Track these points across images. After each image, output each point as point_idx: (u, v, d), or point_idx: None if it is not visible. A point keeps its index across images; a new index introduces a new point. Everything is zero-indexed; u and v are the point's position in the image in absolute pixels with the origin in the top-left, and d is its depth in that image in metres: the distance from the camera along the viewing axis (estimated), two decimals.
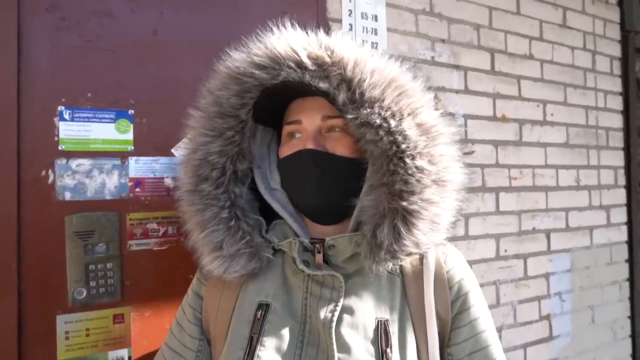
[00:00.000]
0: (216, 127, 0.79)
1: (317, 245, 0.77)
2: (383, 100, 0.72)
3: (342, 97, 0.72)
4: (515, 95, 1.88)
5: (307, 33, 0.79)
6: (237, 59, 0.79)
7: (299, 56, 0.74)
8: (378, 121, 0.71)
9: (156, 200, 1.17)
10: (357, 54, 0.74)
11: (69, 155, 1.09)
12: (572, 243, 2.03)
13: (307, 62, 0.73)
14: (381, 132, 0.71)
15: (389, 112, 0.71)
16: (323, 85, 0.72)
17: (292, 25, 0.80)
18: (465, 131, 1.72)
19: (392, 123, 0.71)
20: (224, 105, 0.78)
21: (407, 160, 0.70)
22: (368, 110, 0.71)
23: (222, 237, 0.77)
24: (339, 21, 1.46)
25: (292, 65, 0.74)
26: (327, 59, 0.74)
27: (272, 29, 0.79)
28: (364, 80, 0.72)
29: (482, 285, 1.71)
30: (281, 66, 0.74)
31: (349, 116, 0.72)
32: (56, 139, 1.07)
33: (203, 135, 0.79)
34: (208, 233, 0.78)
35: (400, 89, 0.74)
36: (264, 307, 0.75)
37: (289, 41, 0.76)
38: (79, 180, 1.09)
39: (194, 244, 0.81)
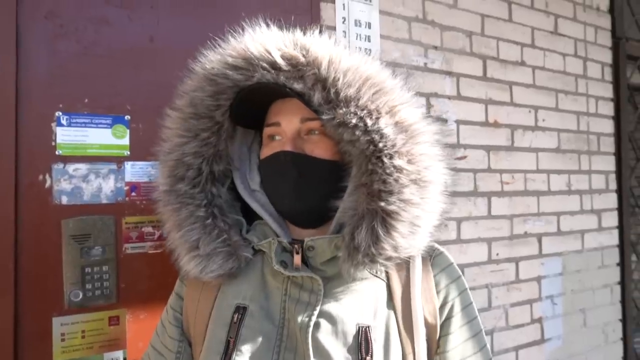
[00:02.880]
0: (191, 128, 0.77)
1: (296, 246, 0.75)
2: (359, 99, 0.69)
3: (317, 97, 0.70)
4: (507, 101, 1.90)
5: (283, 32, 0.76)
6: (211, 59, 0.77)
7: (273, 56, 0.71)
8: (354, 121, 0.69)
9: (151, 204, 1.18)
10: (332, 53, 0.72)
11: (66, 160, 1.10)
12: (563, 247, 2.06)
13: (281, 62, 0.71)
14: (357, 132, 0.69)
15: (365, 111, 0.69)
16: (297, 86, 0.71)
17: (268, 25, 0.78)
18: (458, 136, 1.75)
19: (369, 122, 0.69)
20: (199, 106, 0.77)
21: (385, 159, 0.68)
22: (344, 109, 0.69)
23: (198, 236, 0.76)
24: (333, 28, 1.49)
25: (266, 66, 0.71)
26: (302, 59, 0.71)
27: (247, 29, 0.78)
28: (339, 79, 0.70)
29: (474, 289, 1.74)
30: (255, 67, 0.72)
31: (325, 117, 0.70)
32: (53, 143, 1.09)
33: (179, 136, 0.78)
34: (184, 232, 0.76)
35: (376, 86, 0.71)
36: (241, 310, 0.74)
37: (263, 41, 0.74)
38: (76, 184, 1.11)
39: (171, 244, 0.79)
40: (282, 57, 0.72)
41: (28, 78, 1.07)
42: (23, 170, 1.06)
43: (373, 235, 0.69)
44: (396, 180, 0.68)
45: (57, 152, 1.10)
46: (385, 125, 0.69)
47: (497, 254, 1.83)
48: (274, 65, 0.72)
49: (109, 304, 1.13)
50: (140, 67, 1.19)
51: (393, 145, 0.69)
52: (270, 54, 0.72)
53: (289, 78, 0.71)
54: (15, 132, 1.05)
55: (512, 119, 1.92)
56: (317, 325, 0.70)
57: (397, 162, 0.68)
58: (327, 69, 0.70)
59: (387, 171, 0.68)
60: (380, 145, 0.68)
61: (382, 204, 0.68)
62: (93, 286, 1.11)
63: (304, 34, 0.77)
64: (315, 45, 0.73)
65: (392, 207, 0.68)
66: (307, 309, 0.71)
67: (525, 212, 1.93)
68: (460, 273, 0.82)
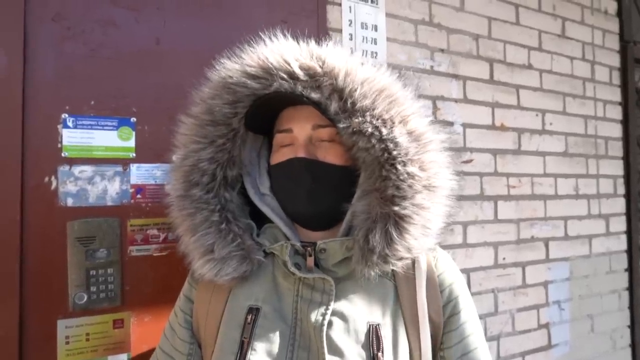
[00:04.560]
0: (208, 134, 0.80)
1: (309, 249, 0.78)
2: (374, 109, 0.73)
3: (333, 106, 0.74)
4: (514, 104, 1.89)
5: (299, 43, 0.80)
6: (230, 68, 0.80)
7: (291, 67, 0.75)
8: (370, 129, 0.73)
9: (157, 206, 1.18)
10: (348, 64, 0.76)
11: (72, 161, 1.10)
12: (571, 252, 2.04)
13: (299, 72, 0.75)
14: (373, 140, 0.73)
15: (380, 121, 0.73)
16: (315, 95, 0.74)
17: (285, 35, 0.81)
18: (464, 140, 1.74)
19: (384, 131, 0.73)
20: (217, 114, 0.79)
21: (399, 166, 0.72)
22: (360, 119, 0.73)
23: (214, 240, 0.78)
24: (339, 31, 1.48)
25: (284, 75, 0.75)
26: (319, 70, 0.75)
27: (264, 39, 0.80)
28: (355, 90, 0.74)
29: (480, 293, 1.72)
30: (273, 77, 0.75)
31: (341, 125, 0.74)
32: (59, 145, 1.09)
33: (194, 142, 0.81)
34: (199, 237, 0.78)
35: (390, 97, 0.75)
36: (254, 311, 0.76)
37: (281, 52, 0.77)
38: (81, 186, 1.11)
39: (185, 248, 0.82)
40: (300, 67, 0.75)
41: (35, 80, 1.07)
42: (29, 171, 1.06)
43: (387, 237, 0.72)
44: (410, 187, 0.72)
45: (63, 154, 1.09)
46: (400, 134, 0.73)
47: (504, 259, 1.82)
48: (292, 75, 0.75)
49: (113, 307, 1.13)
50: (147, 69, 1.19)
51: (406, 154, 0.73)
52: (289, 64, 0.75)
53: (306, 87, 0.75)
54: (22, 134, 1.05)
55: (519, 122, 1.90)
56: (330, 324, 0.73)
57: (410, 169, 0.72)
58: (344, 80, 0.74)
59: (401, 177, 0.72)
60: (395, 153, 0.72)
61: (396, 208, 0.72)
62: (98, 289, 1.10)
63: (317, 43, 0.81)
64: (330, 57, 0.77)
65: (405, 212, 0.72)
66: (320, 308, 0.74)
67: (532, 216, 1.91)
68: (461, 273, 0.87)
